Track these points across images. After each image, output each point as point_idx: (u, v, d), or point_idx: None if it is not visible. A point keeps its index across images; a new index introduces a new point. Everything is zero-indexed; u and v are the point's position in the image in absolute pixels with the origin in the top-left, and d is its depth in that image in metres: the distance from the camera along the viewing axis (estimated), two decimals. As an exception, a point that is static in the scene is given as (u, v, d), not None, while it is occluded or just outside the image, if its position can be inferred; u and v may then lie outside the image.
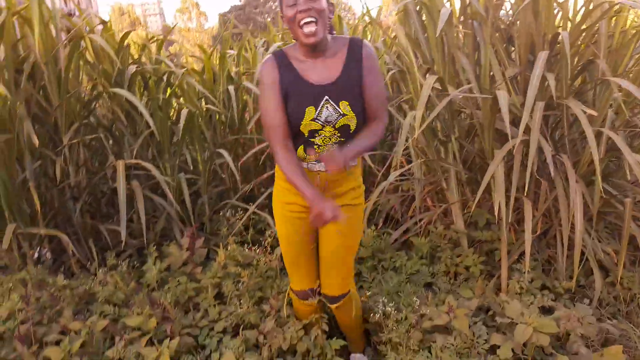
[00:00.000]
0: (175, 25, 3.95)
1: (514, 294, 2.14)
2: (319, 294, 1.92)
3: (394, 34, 3.24)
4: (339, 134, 1.62)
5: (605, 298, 2.34)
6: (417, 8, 2.71)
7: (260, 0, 41.10)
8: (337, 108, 1.59)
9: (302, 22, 1.50)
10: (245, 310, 2.15)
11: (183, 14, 46.90)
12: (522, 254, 2.45)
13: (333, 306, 1.94)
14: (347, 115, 1.59)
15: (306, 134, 1.62)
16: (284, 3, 1.54)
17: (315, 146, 1.64)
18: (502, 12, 2.82)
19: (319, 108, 1.58)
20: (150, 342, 1.99)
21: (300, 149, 1.65)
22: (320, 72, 1.60)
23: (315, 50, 1.59)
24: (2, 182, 2.46)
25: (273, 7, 40.28)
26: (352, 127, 1.62)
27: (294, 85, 1.60)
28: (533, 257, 2.52)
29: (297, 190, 1.55)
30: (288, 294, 2.08)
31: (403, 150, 3.13)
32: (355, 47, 1.63)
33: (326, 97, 1.58)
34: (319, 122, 1.59)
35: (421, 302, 2.10)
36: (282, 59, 1.63)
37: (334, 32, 1.74)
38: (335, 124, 1.60)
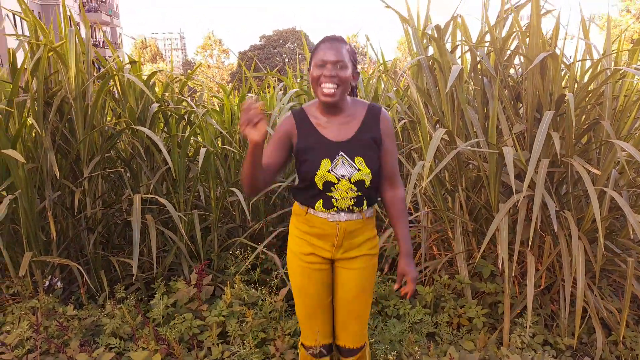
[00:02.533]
0: (199, 64, 4.11)
1: (515, 349, 2.14)
2: (332, 349, 1.94)
3: (406, 85, 3.36)
4: (355, 189, 1.70)
5: (607, 357, 2.34)
6: (430, 63, 2.83)
7: (280, 41, 42.31)
8: (352, 163, 1.67)
9: (322, 85, 1.61)
10: (248, 352, 2.18)
11: (205, 50, 48.29)
12: (525, 307, 2.47)
13: None
14: (361, 170, 1.68)
15: (321, 187, 1.69)
16: (314, 63, 1.65)
17: (334, 200, 1.71)
18: (512, 71, 2.93)
19: (334, 161, 1.67)
20: (153, 377, 2.02)
21: (319, 203, 1.72)
22: (337, 130, 1.70)
23: (333, 109, 1.70)
24: (23, 210, 2.55)
25: (291, 48, 41.36)
26: (367, 182, 1.70)
27: (311, 139, 1.70)
28: (536, 312, 2.53)
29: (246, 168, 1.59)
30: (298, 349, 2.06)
31: (411, 198, 3.21)
32: (374, 110, 1.75)
33: (341, 152, 1.68)
34: (335, 175, 1.67)
35: (422, 353, 2.11)
36: (300, 116, 1.74)
37: (357, 94, 1.85)
38: (350, 178, 1.68)
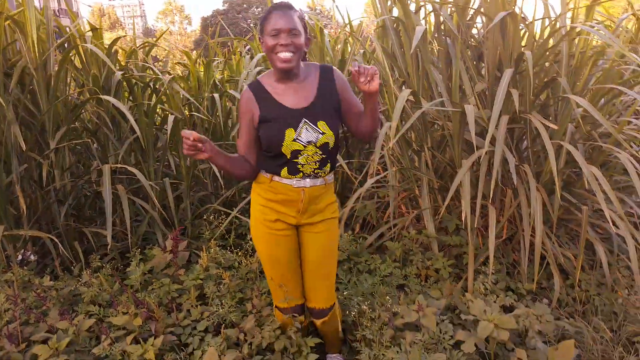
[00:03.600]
0: (162, 33, 4.02)
1: (479, 294, 2.29)
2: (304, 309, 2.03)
3: (372, 47, 3.39)
4: (320, 152, 1.75)
5: (564, 299, 2.51)
6: (395, 25, 2.86)
7: (244, 6, 41.19)
8: (316, 128, 1.72)
9: (279, 54, 1.64)
10: (227, 310, 2.25)
11: (166, 16, 46.63)
12: (488, 257, 2.61)
13: (319, 321, 2.04)
14: (325, 133, 1.73)
15: (289, 155, 1.74)
16: (266, 32, 1.66)
17: (299, 165, 1.76)
18: (474, 31, 2.99)
19: (298, 130, 1.71)
20: (135, 341, 2.08)
21: (284, 170, 1.77)
22: (296, 96, 1.74)
23: (289, 75, 1.74)
24: (-10, 184, 2.52)
25: (256, 13, 40.36)
26: (331, 144, 1.76)
27: (272, 111, 1.73)
28: (498, 261, 2.68)
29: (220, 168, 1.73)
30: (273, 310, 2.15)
31: (379, 159, 3.29)
32: (326, 72, 1.80)
33: (304, 119, 1.72)
34: (301, 143, 1.72)
35: (393, 302, 2.23)
36: (257, 89, 1.77)
37: (307, 59, 1.88)
38: (316, 142, 1.73)
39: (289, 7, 1.69)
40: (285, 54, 1.63)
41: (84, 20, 3.14)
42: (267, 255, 1.92)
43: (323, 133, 1.73)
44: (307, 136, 1.72)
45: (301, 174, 1.77)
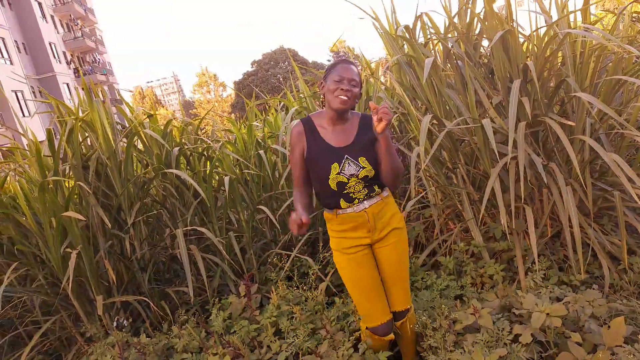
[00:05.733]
0: (208, 112, 4.47)
1: (530, 289, 2.43)
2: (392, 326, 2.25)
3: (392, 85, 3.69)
4: (363, 182, 2.04)
5: (618, 284, 2.60)
6: (408, 60, 3.16)
7: (271, 63, 42.92)
8: (357, 162, 2.02)
9: (338, 96, 1.98)
10: (302, 340, 2.50)
11: (201, 87, 49.26)
12: (539, 256, 2.75)
13: (399, 322, 2.27)
14: (365, 167, 2.03)
15: (335, 188, 2.03)
16: (331, 77, 2.01)
17: (351, 194, 2.05)
18: (484, 48, 3.24)
19: (342, 164, 2.02)
20: (226, 377, 2.35)
21: (342, 201, 2.07)
22: (340, 137, 2.07)
23: (340, 117, 2.06)
24: (87, 261, 2.93)
25: (283, 67, 41.96)
26: (370, 176, 2.05)
27: (319, 147, 2.05)
28: (547, 258, 2.80)
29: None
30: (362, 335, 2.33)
31: (419, 181, 3.52)
32: (366, 118, 2.13)
33: (346, 155, 2.03)
34: (344, 176, 2.02)
35: (451, 310, 2.41)
36: (308, 124, 2.10)
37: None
38: (358, 175, 2.02)
39: (353, 63, 2.06)
40: (343, 97, 1.97)
41: (140, 109, 3.61)
42: (351, 279, 2.16)
43: (363, 167, 2.03)
44: (349, 170, 2.02)
45: (357, 200, 2.05)
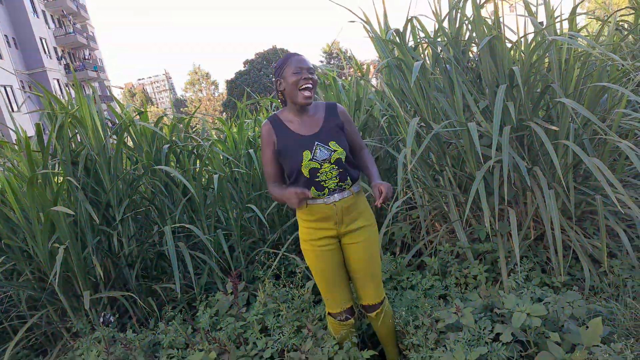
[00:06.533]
0: (198, 108, 4.49)
1: (511, 290, 2.48)
2: (356, 309, 2.30)
3: (382, 87, 3.73)
4: (336, 167, 2.09)
5: (598, 286, 2.66)
6: (397, 63, 3.20)
7: (264, 63, 42.88)
8: (328, 147, 2.08)
9: (303, 87, 2.03)
10: (287, 337, 2.52)
11: (193, 85, 49.09)
12: (521, 258, 2.80)
13: (373, 314, 2.32)
14: (337, 150, 2.08)
15: (308, 175, 2.07)
16: (288, 72, 2.06)
17: (322, 182, 2.09)
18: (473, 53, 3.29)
19: (313, 151, 2.07)
20: (212, 373, 2.38)
21: (312, 190, 2.10)
22: (308, 126, 2.13)
23: (305, 109, 2.13)
24: (75, 257, 2.93)
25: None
26: (343, 159, 2.10)
27: (290, 140, 2.10)
28: (530, 260, 2.86)
29: (279, 201, 2.12)
30: (326, 318, 2.43)
31: (407, 182, 3.56)
32: (331, 107, 2.21)
33: (316, 142, 2.08)
34: (317, 161, 2.06)
35: (434, 309, 2.45)
36: (275, 122, 2.15)
37: (317, 99, 2.29)
38: (330, 159, 2.07)
39: (302, 54, 2.12)
40: (307, 91, 2.04)
41: (130, 107, 3.63)
42: (316, 268, 2.23)
43: (335, 150, 2.09)
44: (321, 155, 2.07)
45: (326, 190, 2.09)
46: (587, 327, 2.05)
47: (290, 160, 2.08)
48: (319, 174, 2.08)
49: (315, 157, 2.07)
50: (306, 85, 2.03)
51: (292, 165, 2.08)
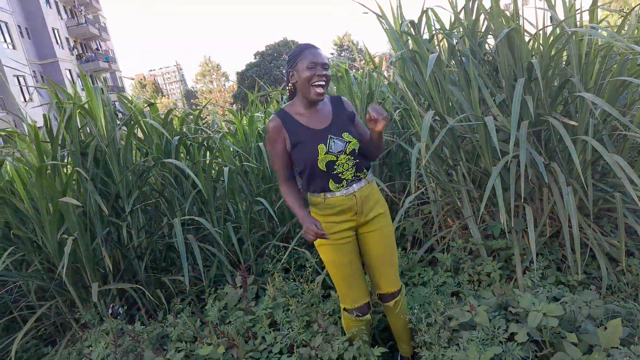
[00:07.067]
0: (208, 101, 4.45)
1: (529, 290, 2.42)
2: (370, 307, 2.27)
3: (395, 80, 3.67)
4: (352, 157, 2.05)
5: (616, 285, 2.59)
6: (412, 55, 3.13)
7: (274, 55, 42.79)
8: (342, 138, 2.03)
9: (316, 83, 1.97)
10: (297, 332, 2.49)
11: (204, 77, 49.14)
12: (537, 255, 2.74)
13: (392, 302, 2.28)
14: (351, 141, 2.04)
15: (324, 168, 2.02)
16: (305, 65, 1.98)
17: (339, 174, 2.05)
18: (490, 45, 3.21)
19: (328, 144, 2.02)
20: (220, 367, 2.35)
21: (331, 183, 2.06)
22: (318, 120, 2.08)
23: (315, 105, 2.08)
24: (84, 248, 2.92)
25: (286, 58, 41.86)
26: (357, 149, 2.07)
27: (302, 134, 2.04)
28: (545, 257, 2.80)
29: (294, 212, 2.09)
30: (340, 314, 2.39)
31: (420, 177, 3.50)
32: (336, 100, 2.17)
33: (329, 135, 2.03)
34: (333, 154, 2.01)
35: (447, 307, 2.40)
36: (284, 116, 2.08)
37: None
38: (346, 150, 2.02)
39: (318, 47, 2.05)
40: (319, 89, 1.98)
41: (141, 98, 3.60)
42: (336, 263, 2.17)
43: (349, 142, 2.04)
44: (336, 147, 2.03)
45: (345, 181, 2.05)
46: (606, 328, 1.99)
47: (305, 155, 2.02)
48: (335, 166, 2.04)
49: (330, 150, 2.02)
50: (319, 82, 1.98)
51: (307, 160, 2.02)
